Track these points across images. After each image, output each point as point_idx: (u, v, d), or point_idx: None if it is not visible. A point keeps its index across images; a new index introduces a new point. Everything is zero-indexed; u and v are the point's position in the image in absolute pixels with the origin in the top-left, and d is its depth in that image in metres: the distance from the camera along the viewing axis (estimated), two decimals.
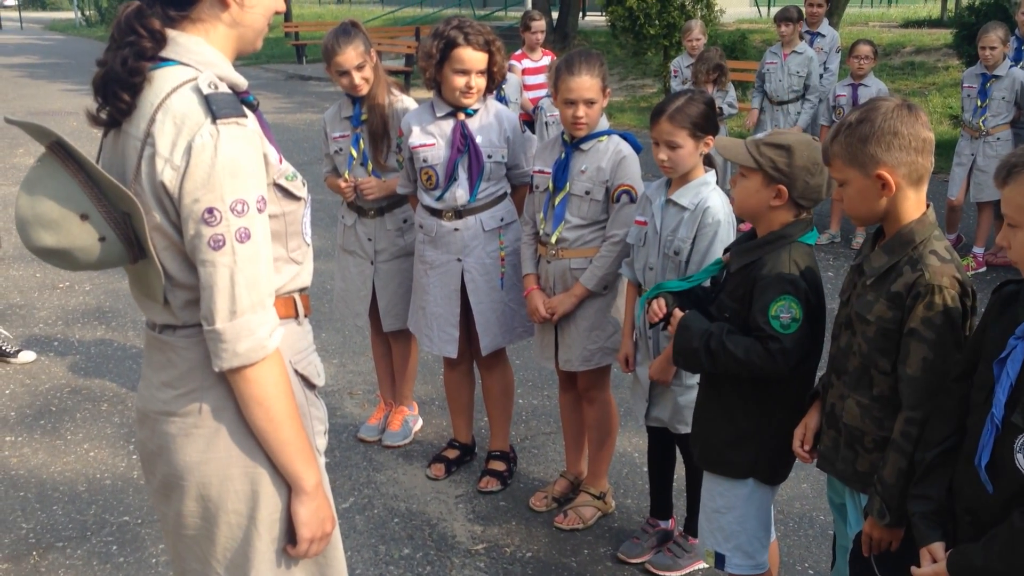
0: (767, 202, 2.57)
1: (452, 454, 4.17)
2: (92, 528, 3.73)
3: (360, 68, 3.88)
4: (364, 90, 3.92)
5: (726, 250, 2.81)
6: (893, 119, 2.16)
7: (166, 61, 1.76)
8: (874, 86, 7.27)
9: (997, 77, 6.59)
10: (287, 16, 23.88)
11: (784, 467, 2.71)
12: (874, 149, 2.17)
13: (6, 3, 55.83)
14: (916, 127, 2.17)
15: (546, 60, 7.84)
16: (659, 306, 2.77)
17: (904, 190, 2.20)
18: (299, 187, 1.88)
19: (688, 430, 3.23)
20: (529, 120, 7.08)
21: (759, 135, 2.64)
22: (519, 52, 7.88)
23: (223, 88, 1.74)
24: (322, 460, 2.01)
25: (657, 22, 14.05)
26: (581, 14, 22.55)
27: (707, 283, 2.86)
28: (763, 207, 2.58)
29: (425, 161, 3.67)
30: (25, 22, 45.31)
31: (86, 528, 3.73)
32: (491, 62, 3.59)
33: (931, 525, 2.06)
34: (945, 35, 14.52)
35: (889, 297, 2.20)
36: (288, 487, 1.88)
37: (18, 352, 5.39)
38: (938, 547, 2.04)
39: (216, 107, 1.69)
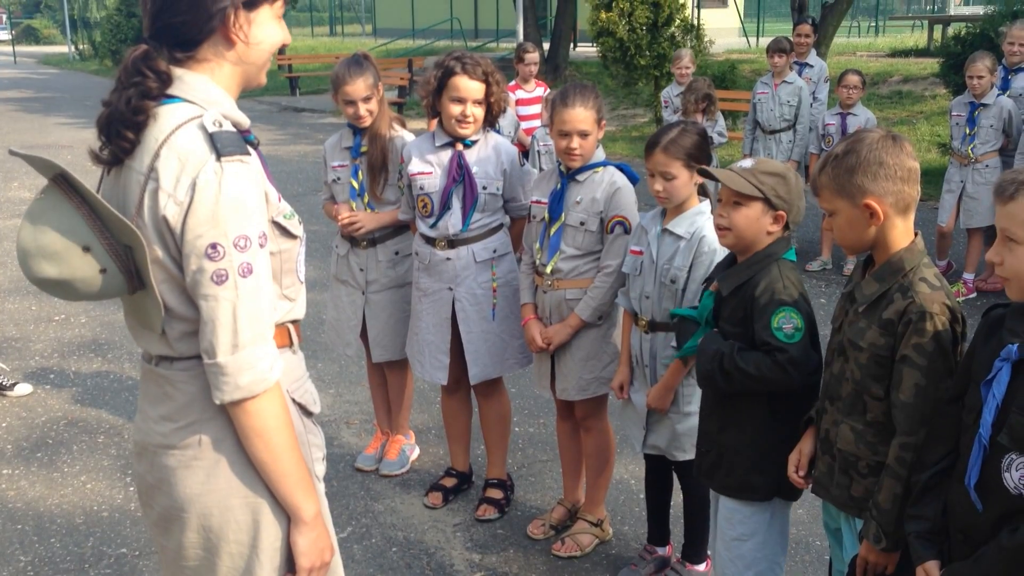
0: (766, 228, 2.63)
1: (449, 482, 4.18)
2: (90, 560, 3.73)
3: (367, 100, 3.94)
4: (367, 122, 3.98)
5: (708, 279, 2.85)
6: (879, 150, 2.22)
7: (171, 98, 1.79)
8: (862, 115, 7.36)
9: (985, 105, 6.68)
10: (280, 49, 24.02)
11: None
12: (861, 179, 2.22)
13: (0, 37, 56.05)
14: (901, 157, 2.22)
15: (539, 91, 7.93)
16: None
17: (892, 219, 2.25)
18: (295, 225, 1.92)
19: (686, 457, 3.25)
20: (525, 151, 7.15)
21: (743, 163, 2.69)
22: (512, 83, 7.96)
23: (227, 126, 1.77)
24: (321, 487, 2.03)
25: (648, 53, 14.19)
26: (572, 45, 22.74)
27: None
28: (763, 233, 2.64)
29: (422, 189, 3.72)
30: (19, 56, 45.42)
31: (84, 560, 3.73)
32: (488, 93, 3.65)
33: (926, 544, 2.09)
34: (932, 64, 14.66)
35: (881, 324, 2.24)
36: (288, 517, 1.90)
37: (14, 385, 5.39)
38: (933, 566, 2.07)
39: (220, 145, 1.72)
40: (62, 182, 1.74)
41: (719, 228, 2.70)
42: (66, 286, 1.76)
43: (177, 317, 1.80)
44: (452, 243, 3.73)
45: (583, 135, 3.35)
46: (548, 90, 7.88)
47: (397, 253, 4.13)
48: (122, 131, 1.76)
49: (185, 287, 1.76)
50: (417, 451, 4.57)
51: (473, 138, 3.71)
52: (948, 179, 7.06)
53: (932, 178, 8.50)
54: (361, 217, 4.04)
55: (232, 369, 1.74)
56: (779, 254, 2.64)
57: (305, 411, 2.02)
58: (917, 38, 22.19)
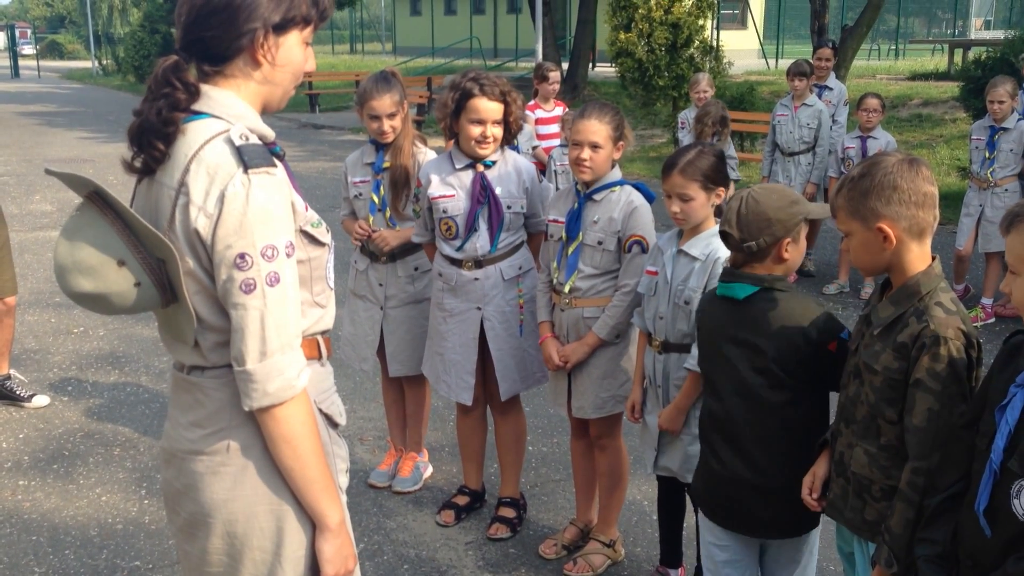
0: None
1: (462, 500, 4.18)
2: (103, 573, 3.74)
3: (392, 116, 3.98)
4: (390, 138, 4.01)
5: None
6: (893, 174, 2.22)
7: (199, 114, 1.84)
8: (883, 138, 7.35)
9: (1005, 130, 6.67)
10: None
11: None
12: (874, 203, 2.23)
13: (24, 51, 56.72)
14: (917, 181, 2.22)
15: (558, 111, 7.96)
16: None
17: (906, 243, 2.25)
18: (323, 233, 1.96)
19: None
20: (543, 169, 7.17)
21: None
22: (532, 102, 8.00)
23: (253, 139, 1.82)
24: (344, 498, 2.05)
25: (666, 73, 14.24)
26: (591, 65, 22.83)
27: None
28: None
29: (445, 212, 3.72)
30: (43, 71, 45.96)
31: (98, 573, 3.74)
32: (507, 112, 3.66)
33: (936, 569, 2.08)
34: (952, 88, 14.66)
35: (895, 347, 2.23)
36: (312, 524, 1.92)
37: (32, 396, 5.42)
38: None
39: (247, 157, 1.76)
40: (97, 199, 1.80)
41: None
42: (102, 300, 1.80)
43: (210, 328, 1.84)
44: (479, 263, 3.74)
45: (594, 147, 3.36)
46: (567, 110, 7.91)
47: (416, 269, 4.15)
48: (153, 141, 1.81)
49: (217, 298, 1.80)
50: (430, 469, 4.56)
51: (492, 158, 3.73)
52: (967, 203, 7.04)
53: (951, 202, 8.49)
54: (385, 234, 4.06)
55: (260, 376, 1.77)
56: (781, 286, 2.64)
57: (331, 422, 2.07)
58: (937, 62, 22.14)
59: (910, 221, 2.23)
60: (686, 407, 3.16)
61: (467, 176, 3.72)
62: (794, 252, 2.65)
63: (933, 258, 2.29)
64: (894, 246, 2.24)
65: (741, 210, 2.59)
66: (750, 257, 2.63)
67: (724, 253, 3.09)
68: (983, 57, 11.73)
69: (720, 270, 3.07)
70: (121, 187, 1.83)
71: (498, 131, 3.66)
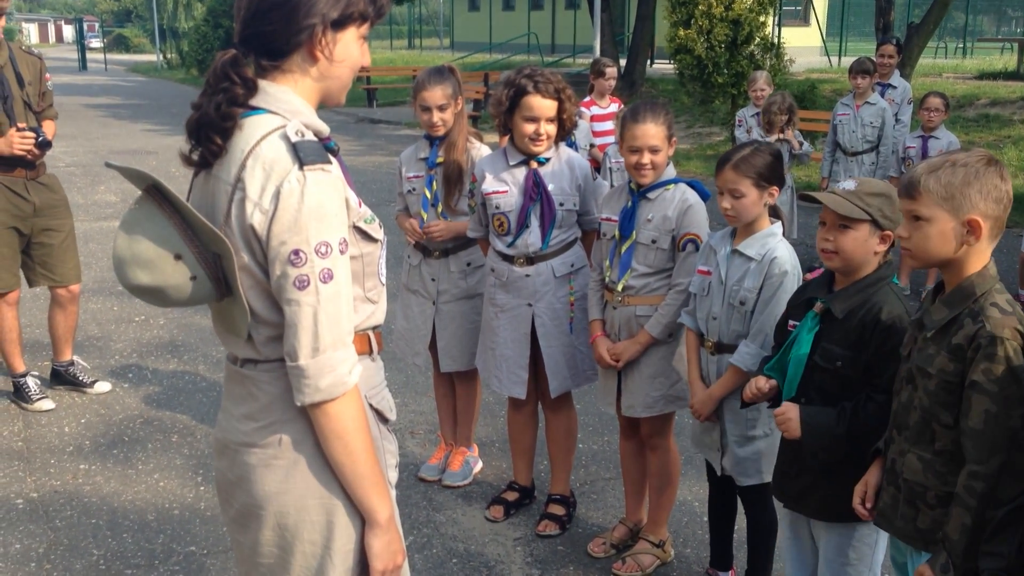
0: (874, 249, 2.64)
1: (511, 496, 4.19)
2: (160, 557, 3.82)
3: (442, 109, 3.99)
4: (440, 131, 4.03)
5: (802, 299, 2.80)
6: (992, 173, 2.18)
7: (256, 110, 1.86)
8: (945, 139, 7.20)
9: None
10: None
11: None
12: (975, 194, 2.17)
13: (91, 45, 57.94)
14: (1009, 184, 2.20)
15: (614, 107, 7.92)
16: (767, 385, 2.82)
17: (983, 241, 2.21)
18: (376, 230, 1.97)
19: (749, 481, 3.22)
20: (598, 166, 7.15)
21: (846, 184, 2.67)
22: (588, 99, 7.98)
23: (309, 136, 1.83)
24: (394, 493, 2.06)
25: (725, 71, 14.07)
26: (649, 62, 22.67)
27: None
28: (871, 255, 2.65)
29: (498, 208, 3.73)
30: (109, 64, 46.91)
31: (154, 557, 3.82)
32: (561, 109, 3.66)
33: None
34: (1021, 88, 14.31)
35: (950, 350, 2.19)
36: (362, 519, 1.94)
37: (94, 382, 5.55)
38: None
39: (303, 154, 1.78)
40: (155, 193, 1.82)
41: (824, 252, 2.68)
42: (159, 293, 1.83)
43: (263, 322, 1.86)
44: (531, 260, 3.74)
45: (654, 151, 3.34)
46: (622, 106, 7.87)
47: (469, 264, 4.16)
48: (211, 135, 1.83)
49: (271, 293, 1.82)
50: (480, 464, 4.58)
51: (546, 155, 3.73)
52: None
53: (1017, 204, 8.27)
54: (440, 224, 4.08)
55: (313, 372, 1.79)
56: (889, 278, 2.66)
57: (381, 417, 2.08)
58: (1006, 60, 21.58)
59: (995, 221, 2.20)
60: (719, 396, 3.17)
61: (520, 172, 3.72)
62: None
63: (989, 259, 2.25)
64: (975, 242, 2.20)
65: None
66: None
67: (780, 253, 3.06)
68: None
69: (776, 270, 3.05)
70: (183, 179, 1.86)
71: (552, 128, 3.65)
